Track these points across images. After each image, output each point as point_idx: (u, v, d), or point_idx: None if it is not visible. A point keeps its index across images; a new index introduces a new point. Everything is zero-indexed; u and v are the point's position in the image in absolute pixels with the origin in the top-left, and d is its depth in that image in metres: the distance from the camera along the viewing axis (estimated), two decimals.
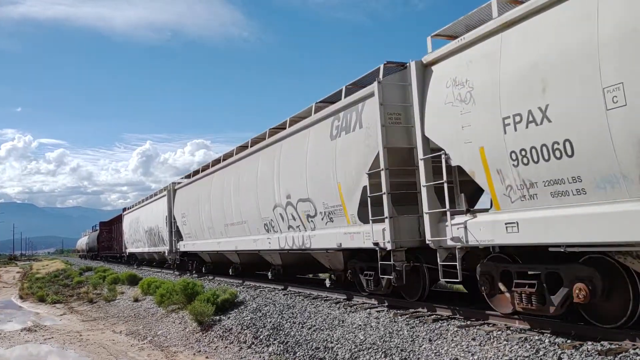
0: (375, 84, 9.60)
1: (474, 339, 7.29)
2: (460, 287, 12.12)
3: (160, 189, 28.79)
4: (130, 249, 38.21)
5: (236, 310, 12.83)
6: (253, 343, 10.41)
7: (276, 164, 13.90)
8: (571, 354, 6.01)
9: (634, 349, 5.87)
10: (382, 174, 9.43)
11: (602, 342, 6.20)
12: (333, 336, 9.13)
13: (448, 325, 8.20)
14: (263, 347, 9.98)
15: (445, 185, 8.12)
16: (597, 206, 5.95)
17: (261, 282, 16.69)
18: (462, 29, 8.19)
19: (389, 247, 9.31)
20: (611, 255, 6.28)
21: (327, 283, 13.17)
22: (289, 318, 10.90)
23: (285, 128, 14.00)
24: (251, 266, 18.53)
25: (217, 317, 12.64)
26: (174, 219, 24.69)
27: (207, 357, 10.52)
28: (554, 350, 6.24)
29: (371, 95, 9.82)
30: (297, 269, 15.78)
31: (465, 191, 8.43)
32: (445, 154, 8.16)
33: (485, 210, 7.88)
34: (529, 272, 7.50)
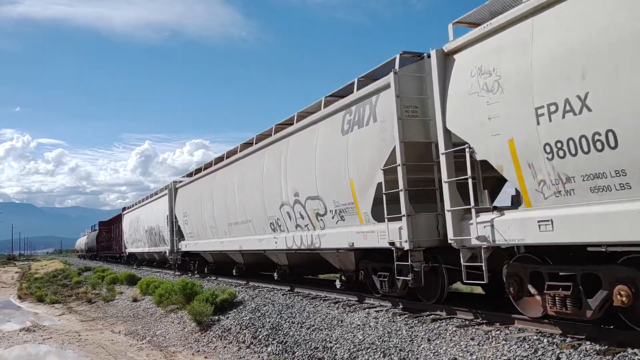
0: (392, 74, 9.12)
1: (472, 339, 7.22)
2: (473, 288, 11.70)
3: (161, 187, 28.33)
4: (130, 249, 37.76)
5: (235, 310, 12.76)
6: (252, 343, 10.34)
7: (283, 161, 13.41)
8: (569, 354, 5.97)
9: (632, 349, 5.72)
10: (399, 169, 8.96)
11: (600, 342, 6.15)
12: (332, 336, 9.06)
13: (447, 325, 8.10)
14: (262, 347, 9.91)
15: (470, 181, 7.62)
16: None
17: (267, 284, 16.20)
18: (486, 15, 7.70)
19: (406, 246, 8.84)
20: None
21: (338, 284, 12.71)
22: (287, 318, 10.80)
23: (292, 123, 13.51)
24: (255, 267, 18.07)
25: (216, 317, 12.57)
26: (176, 218, 24.27)
27: (205, 357, 10.43)
28: (553, 350, 6.20)
29: (387, 87, 9.34)
30: (305, 269, 15.28)
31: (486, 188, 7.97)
32: (470, 148, 7.64)
33: (513, 208, 7.39)
34: (561, 274, 7.01)
